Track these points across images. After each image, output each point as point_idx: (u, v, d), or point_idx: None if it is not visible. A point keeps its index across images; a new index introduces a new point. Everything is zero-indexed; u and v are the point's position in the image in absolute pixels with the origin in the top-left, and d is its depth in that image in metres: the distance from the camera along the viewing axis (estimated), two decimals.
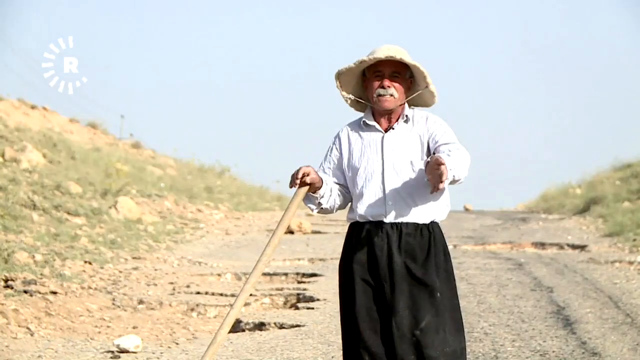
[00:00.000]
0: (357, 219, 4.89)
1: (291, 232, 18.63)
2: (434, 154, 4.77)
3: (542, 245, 16.69)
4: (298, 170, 4.81)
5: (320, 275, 12.55)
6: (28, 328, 8.77)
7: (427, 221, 4.84)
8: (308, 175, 4.81)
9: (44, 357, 7.80)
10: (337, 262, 15.62)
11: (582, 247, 16.02)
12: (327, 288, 11.44)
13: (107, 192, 18.55)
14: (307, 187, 4.82)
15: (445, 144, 4.80)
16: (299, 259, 14.48)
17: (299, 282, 12.28)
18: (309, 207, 4.95)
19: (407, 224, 4.81)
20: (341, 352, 7.93)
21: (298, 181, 4.79)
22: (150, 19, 60.90)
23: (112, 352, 8.02)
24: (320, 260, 14.44)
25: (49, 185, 16.87)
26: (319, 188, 4.85)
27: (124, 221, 16.65)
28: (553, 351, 7.95)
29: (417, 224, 4.82)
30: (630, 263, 13.74)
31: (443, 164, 4.53)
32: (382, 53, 4.80)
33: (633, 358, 7.75)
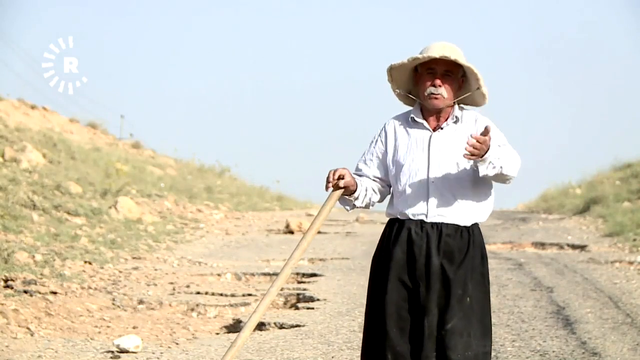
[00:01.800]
0: (398, 215, 4.84)
1: (291, 232, 18.63)
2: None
3: (542, 245, 16.68)
4: (334, 172, 4.78)
5: (320, 275, 12.55)
6: (28, 328, 8.76)
7: (469, 223, 4.81)
8: (343, 178, 4.77)
9: (44, 357, 7.80)
10: (337, 262, 15.60)
11: (582, 247, 16.01)
12: (327, 288, 11.44)
13: (107, 192, 18.55)
14: (341, 191, 4.78)
15: (496, 145, 4.76)
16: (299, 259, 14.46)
17: (299, 282, 12.28)
18: (345, 208, 4.93)
19: (447, 224, 4.78)
20: (341, 352, 7.97)
21: (331, 184, 4.76)
22: (150, 19, 60.84)
23: (112, 352, 8.02)
24: (320, 260, 14.43)
25: (49, 185, 16.87)
26: (353, 192, 4.82)
27: (124, 221, 16.65)
28: (553, 351, 7.95)
29: (458, 226, 4.79)
30: (630, 263, 13.74)
31: (488, 135, 4.56)
32: (436, 52, 4.75)
33: (633, 358, 7.75)
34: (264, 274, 12.70)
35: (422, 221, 4.79)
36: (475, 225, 4.84)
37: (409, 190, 4.81)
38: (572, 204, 24.23)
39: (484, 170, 4.66)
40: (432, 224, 4.78)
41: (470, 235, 4.80)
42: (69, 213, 15.59)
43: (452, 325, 4.71)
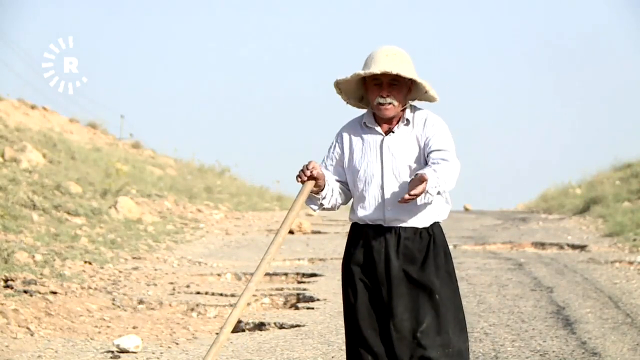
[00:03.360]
0: (357, 220, 4.89)
1: (291, 232, 18.63)
2: (426, 162, 4.78)
3: (542, 245, 16.68)
4: (308, 164, 4.79)
5: (320, 275, 12.55)
6: (28, 328, 8.77)
7: (427, 224, 4.83)
8: (315, 169, 4.79)
9: (44, 357, 7.81)
10: (337, 262, 15.60)
11: (582, 247, 16.02)
12: (327, 288, 11.45)
13: (107, 192, 18.55)
14: (313, 182, 4.79)
15: (436, 150, 4.76)
16: (299, 259, 14.48)
17: (299, 282, 12.28)
18: (311, 207, 4.93)
19: (406, 228, 4.80)
20: (341, 352, 7.97)
21: (308, 172, 4.75)
22: (150, 19, 60.83)
23: (112, 352, 8.02)
24: (320, 260, 14.43)
25: (49, 185, 16.87)
26: (322, 189, 4.84)
27: (124, 221, 16.66)
28: (553, 351, 7.95)
29: (417, 228, 4.81)
30: (630, 263, 13.74)
31: (425, 180, 4.56)
32: (377, 67, 4.74)
33: (633, 358, 7.75)
34: (264, 274, 12.68)
35: (380, 226, 4.82)
36: (436, 224, 4.86)
37: (365, 196, 4.84)
38: (572, 204, 24.24)
39: (421, 200, 4.72)
40: (390, 229, 4.80)
41: (431, 236, 4.82)
42: (69, 213, 15.60)
43: (427, 325, 4.74)
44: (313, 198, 4.88)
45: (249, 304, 10.54)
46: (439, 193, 4.71)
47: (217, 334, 9.31)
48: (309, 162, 4.80)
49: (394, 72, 4.73)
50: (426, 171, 4.62)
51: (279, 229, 4.83)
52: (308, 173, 4.77)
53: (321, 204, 4.89)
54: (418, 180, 4.58)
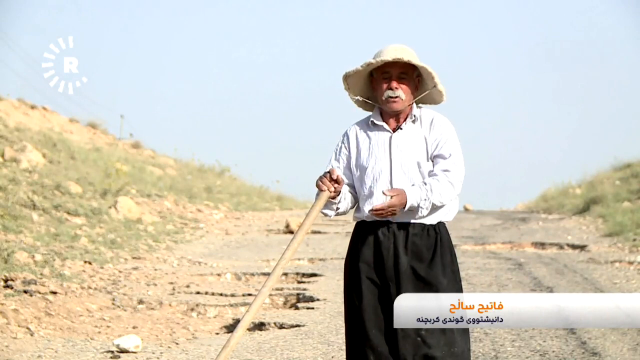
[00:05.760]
0: (364, 218, 4.89)
1: (291, 232, 18.63)
2: (433, 159, 4.84)
3: (542, 245, 16.68)
4: (331, 172, 4.81)
5: (320, 275, 12.55)
6: (28, 328, 8.77)
7: (434, 222, 4.86)
8: (337, 174, 4.84)
9: (44, 357, 7.81)
10: (337, 262, 15.58)
11: (582, 247, 16.02)
12: (327, 288, 11.45)
13: (107, 192, 18.55)
14: (330, 192, 4.83)
15: (442, 158, 4.82)
16: (299, 259, 14.47)
17: (299, 282, 12.28)
18: (326, 214, 4.95)
19: (414, 224, 4.83)
20: (341, 352, 7.97)
21: (334, 176, 4.80)
22: (150, 19, 60.83)
23: (112, 352, 8.02)
24: (320, 260, 14.43)
25: (49, 185, 16.86)
26: (338, 194, 4.86)
27: (124, 221, 16.66)
28: (553, 351, 7.95)
29: (424, 225, 4.84)
30: (630, 263, 13.74)
31: (395, 195, 4.70)
32: (389, 55, 4.79)
33: (633, 358, 7.75)
34: (264, 274, 12.69)
35: (388, 222, 4.84)
36: (442, 223, 4.90)
37: (374, 192, 4.86)
38: (572, 204, 24.23)
39: (418, 214, 4.79)
40: (399, 225, 4.83)
41: (437, 234, 4.86)
42: (69, 213, 15.60)
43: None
44: (329, 204, 4.89)
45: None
46: (435, 207, 4.78)
47: (216, 333, 9.33)
48: (331, 170, 4.82)
49: (405, 59, 4.78)
50: (415, 188, 4.73)
51: (295, 235, 4.84)
52: (334, 177, 4.79)
53: (337, 209, 4.91)
54: (397, 194, 4.70)
